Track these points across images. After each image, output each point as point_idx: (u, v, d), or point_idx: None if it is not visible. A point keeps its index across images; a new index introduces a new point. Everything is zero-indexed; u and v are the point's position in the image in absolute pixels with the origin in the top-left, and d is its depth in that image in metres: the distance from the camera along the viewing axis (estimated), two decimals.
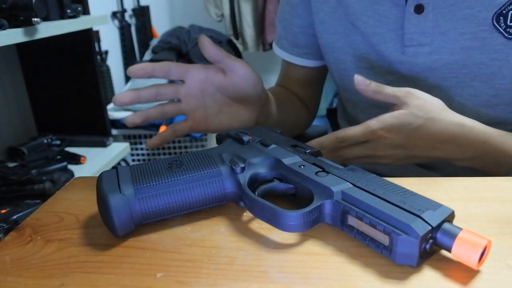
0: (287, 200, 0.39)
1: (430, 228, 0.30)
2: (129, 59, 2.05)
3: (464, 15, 0.52)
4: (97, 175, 0.38)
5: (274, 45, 0.77)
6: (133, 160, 1.73)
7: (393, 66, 0.58)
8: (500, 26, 0.51)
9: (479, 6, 0.51)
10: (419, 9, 0.54)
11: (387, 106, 0.50)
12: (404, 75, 0.58)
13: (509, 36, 0.51)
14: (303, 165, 0.38)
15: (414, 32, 0.55)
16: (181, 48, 1.86)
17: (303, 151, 0.41)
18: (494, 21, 0.51)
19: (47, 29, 0.97)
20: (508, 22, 0.50)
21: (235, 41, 2.22)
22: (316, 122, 0.84)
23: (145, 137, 1.69)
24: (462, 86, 0.55)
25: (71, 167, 1.21)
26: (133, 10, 2.13)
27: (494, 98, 0.54)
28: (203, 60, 1.87)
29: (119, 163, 1.38)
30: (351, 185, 0.35)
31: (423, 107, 0.48)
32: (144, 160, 1.74)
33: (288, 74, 0.77)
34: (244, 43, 2.30)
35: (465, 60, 0.54)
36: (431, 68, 0.56)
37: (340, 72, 0.66)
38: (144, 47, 2.14)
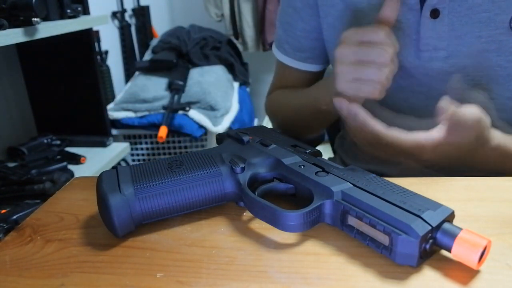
0: (287, 200, 0.39)
1: (430, 228, 0.30)
2: (129, 59, 2.05)
3: (481, 19, 0.52)
4: (97, 175, 0.38)
5: (274, 49, 0.76)
6: (133, 160, 1.73)
7: (408, 70, 0.58)
8: None
9: (496, 10, 0.51)
10: (435, 13, 0.54)
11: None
12: (419, 80, 0.57)
13: None
14: (303, 165, 0.38)
15: (430, 37, 0.55)
16: (181, 48, 1.86)
17: (303, 151, 0.41)
18: (511, 24, 0.51)
19: (47, 29, 0.97)
20: None
21: (235, 41, 2.22)
22: None
23: (145, 137, 1.69)
24: (478, 88, 0.55)
25: (71, 167, 1.21)
26: (133, 10, 2.13)
27: (510, 100, 0.54)
28: (203, 60, 1.85)
29: (119, 163, 1.38)
30: (351, 185, 0.35)
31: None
32: (144, 160, 1.74)
33: (286, 77, 0.76)
34: (244, 43, 2.30)
35: (481, 63, 0.54)
36: (447, 72, 0.55)
37: None
38: (144, 47, 2.13)
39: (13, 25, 0.88)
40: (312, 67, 0.72)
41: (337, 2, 0.62)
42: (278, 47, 0.74)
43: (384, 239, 0.31)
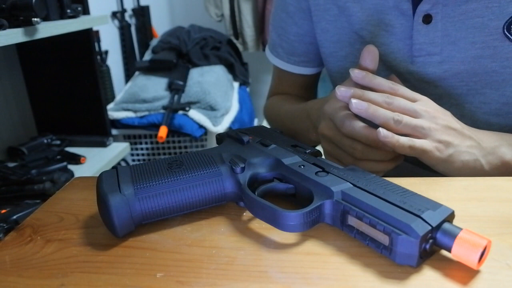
0: (287, 200, 0.39)
1: (430, 228, 0.30)
2: (129, 59, 2.05)
3: (475, 24, 0.52)
4: (97, 175, 0.38)
5: (268, 53, 0.76)
6: (133, 160, 1.73)
7: (402, 76, 0.58)
8: (511, 35, 0.50)
9: (489, 15, 0.51)
10: (427, 19, 0.53)
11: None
12: (413, 85, 0.57)
13: None
14: (303, 165, 0.38)
15: (424, 43, 0.54)
16: (181, 48, 1.86)
17: (303, 151, 0.41)
18: (505, 29, 0.50)
19: (47, 29, 0.97)
20: None
21: (235, 41, 2.22)
22: None
23: (145, 137, 1.69)
24: (472, 93, 0.55)
25: (71, 167, 1.21)
26: (133, 10, 2.13)
27: (505, 106, 0.54)
28: (203, 60, 1.84)
29: (119, 163, 1.38)
30: (351, 185, 0.35)
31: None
32: (144, 160, 1.74)
33: (282, 80, 0.76)
34: (244, 43, 2.30)
35: (476, 69, 0.53)
36: (441, 78, 0.55)
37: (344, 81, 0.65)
38: (144, 47, 2.13)
39: (13, 25, 0.89)
40: (307, 70, 0.72)
41: (331, 7, 0.61)
42: (272, 51, 0.74)
43: (384, 239, 0.31)
